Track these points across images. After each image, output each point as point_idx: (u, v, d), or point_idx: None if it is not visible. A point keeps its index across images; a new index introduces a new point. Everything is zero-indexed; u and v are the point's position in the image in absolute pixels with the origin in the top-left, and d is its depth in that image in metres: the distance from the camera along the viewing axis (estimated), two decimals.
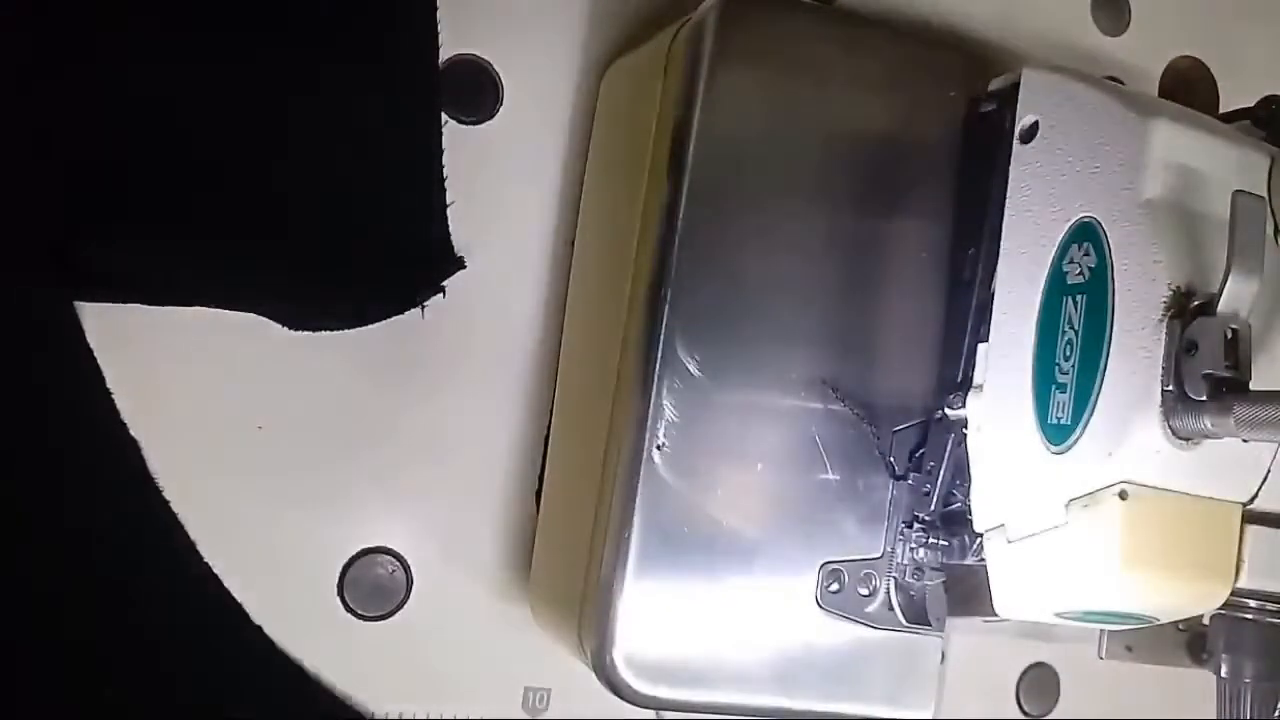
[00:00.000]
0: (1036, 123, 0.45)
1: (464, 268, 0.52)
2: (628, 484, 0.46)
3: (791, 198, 0.48)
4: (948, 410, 0.47)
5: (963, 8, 0.60)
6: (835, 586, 0.48)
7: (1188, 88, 0.65)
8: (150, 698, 0.48)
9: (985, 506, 0.45)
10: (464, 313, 0.53)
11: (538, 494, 0.54)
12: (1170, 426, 0.39)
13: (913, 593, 0.49)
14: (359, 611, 0.52)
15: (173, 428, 0.49)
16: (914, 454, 0.49)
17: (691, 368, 0.46)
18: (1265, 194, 0.41)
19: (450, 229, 0.52)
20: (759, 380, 0.47)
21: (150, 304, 0.48)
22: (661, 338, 0.46)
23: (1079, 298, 0.42)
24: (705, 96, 0.47)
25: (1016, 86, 0.47)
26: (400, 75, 0.52)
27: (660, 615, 0.46)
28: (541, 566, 0.53)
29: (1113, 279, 0.40)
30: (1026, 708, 0.64)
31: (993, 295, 0.46)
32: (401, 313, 0.51)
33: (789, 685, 0.48)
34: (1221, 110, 0.56)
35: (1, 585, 0.46)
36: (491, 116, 0.54)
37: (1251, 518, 0.41)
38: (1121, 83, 0.59)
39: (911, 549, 0.49)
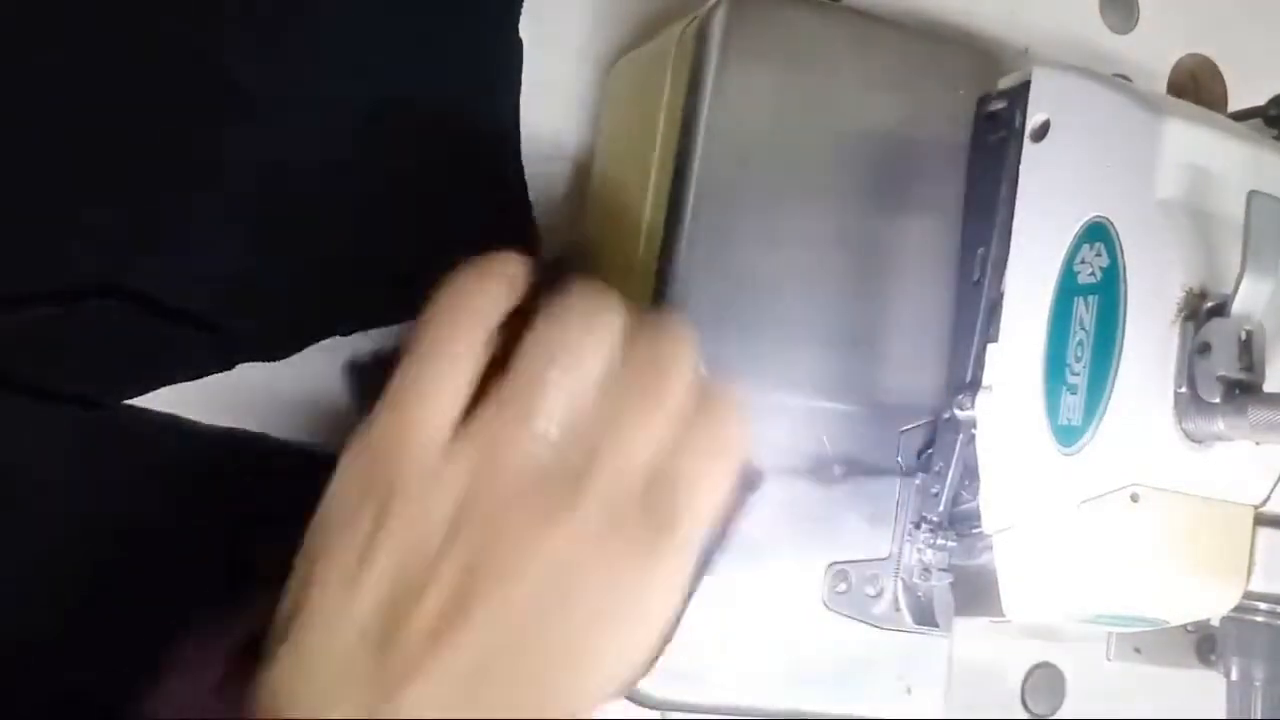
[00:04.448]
0: (1048, 121, 0.45)
1: None
2: None
3: (799, 195, 0.48)
4: (956, 410, 0.47)
5: (971, 5, 0.59)
6: (842, 587, 0.48)
7: (1197, 86, 0.65)
8: None
9: (994, 508, 0.45)
10: None
11: None
12: (1183, 428, 0.39)
13: (920, 593, 0.49)
14: None
15: None
16: (922, 454, 0.49)
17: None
18: None
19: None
20: (766, 379, 0.47)
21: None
22: None
23: (1090, 298, 0.41)
24: (713, 93, 0.46)
25: (1026, 85, 0.47)
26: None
27: None
28: None
29: (1125, 279, 0.40)
30: (1032, 708, 0.64)
31: (1002, 295, 0.46)
32: None
33: (795, 686, 0.47)
34: (1231, 109, 0.56)
35: None
36: None
37: (1263, 520, 0.41)
38: (1130, 81, 0.58)
39: (919, 550, 0.49)
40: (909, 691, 0.48)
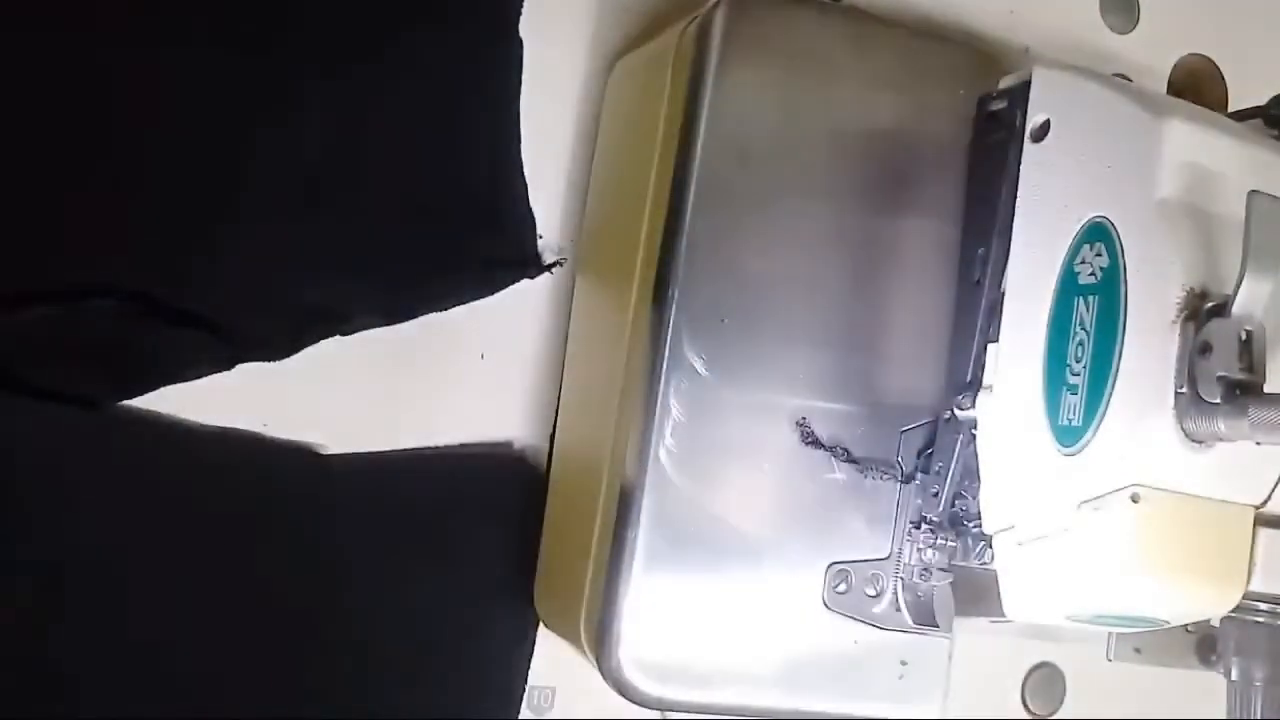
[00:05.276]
0: (1048, 121, 0.45)
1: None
2: (634, 483, 0.45)
3: (799, 195, 0.48)
4: (957, 410, 0.47)
5: (972, 6, 0.59)
6: (842, 587, 0.48)
7: (1196, 86, 0.65)
8: None
9: (995, 508, 0.45)
10: (467, 310, 0.53)
11: (543, 492, 0.54)
12: (1183, 429, 0.39)
13: (920, 593, 0.49)
14: None
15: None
16: (922, 454, 0.49)
17: (698, 367, 0.46)
18: None
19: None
20: (766, 379, 0.47)
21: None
22: (668, 337, 0.45)
23: (1091, 298, 0.41)
24: (713, 93, 0.46)
25: (1027, 85, 0.47)
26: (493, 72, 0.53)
27: (666, 614, 0.46)
28: (547, 565, 0.52)
29: (1125, 279, 0.40)
30: (1032, 708, 0.64)
31: (1003, 295, 0.46)
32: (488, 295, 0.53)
33: (795, 685, 0.48)
34: (1231, 109, 0.56)
35: None
36: None
37: (1264, 521, 0.41)
38: (1130, 81, 0.58)
39: (919, 550, 0.49)
40: (904, 672, 0.49)
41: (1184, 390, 0.39)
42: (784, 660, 0.47)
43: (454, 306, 0.53)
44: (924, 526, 0.48)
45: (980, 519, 0.46)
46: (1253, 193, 0.38)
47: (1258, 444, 0.39)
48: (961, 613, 0.50)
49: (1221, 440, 0.39)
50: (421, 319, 0.52)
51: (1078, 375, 0.41)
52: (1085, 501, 0.40)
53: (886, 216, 0.49)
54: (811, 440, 0.47)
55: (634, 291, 0.48)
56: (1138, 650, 0.64)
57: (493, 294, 0.53)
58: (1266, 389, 0.38)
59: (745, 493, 0.47)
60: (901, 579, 0.49)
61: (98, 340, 0.47)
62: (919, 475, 0.49)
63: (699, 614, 0.46)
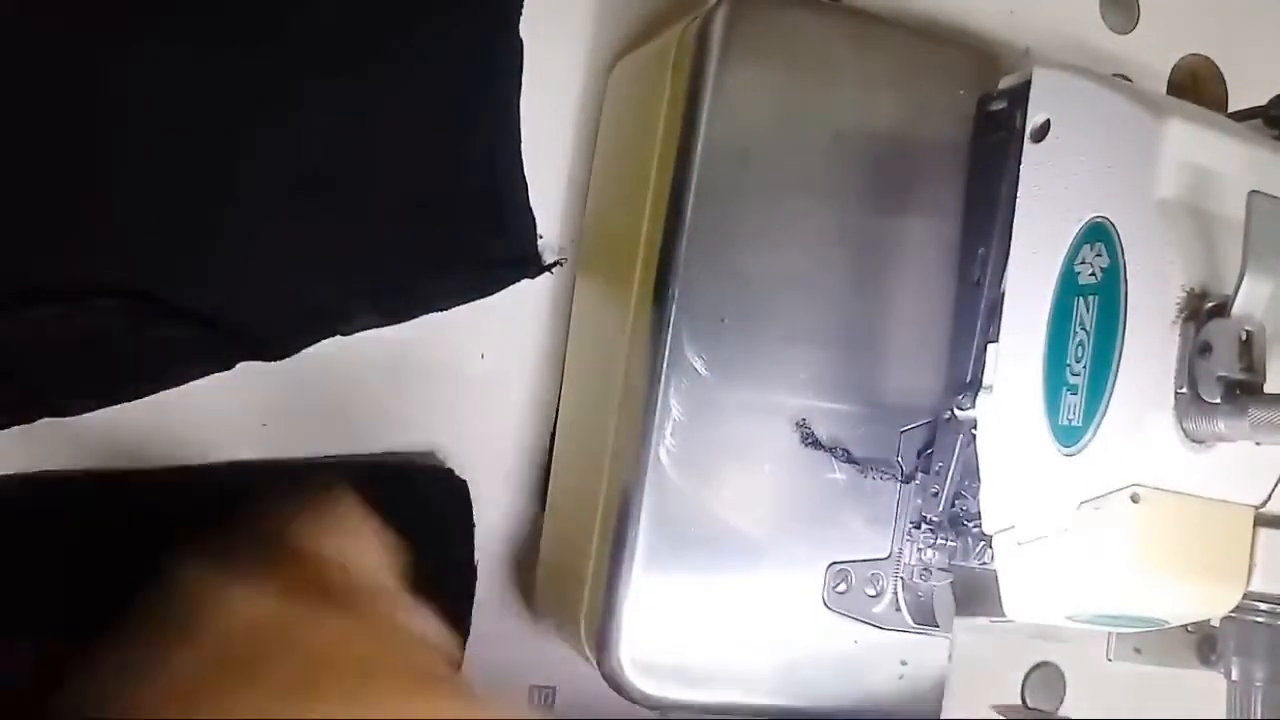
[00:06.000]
0: (1048, 121, 0.45)
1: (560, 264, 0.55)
2: (634, 483, 0.45)
3: (799, 196, 0.48)
4: (957, 410, 0.47)
5: (972, 6, 0.59)
6: (842, 587, 0.48)
7: (1196, 86, 0.65)
8: None
9: (995, 508, 0.45)
10: (467, 310, 0.53)
11: (543, 493, 0.54)
12: (1183, 429, 0.39)
13: (920, 593, 0.49)
14: None
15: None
16: (922, 454, 0.49)
17: (699, 367, 0.46)
18: None
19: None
20: (766, 380, 0.47)
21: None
22: (669, 337, 0.46)
23: (1091, 298, 0.41)
24: (713, 93, 0.46)
25: (1027, 85, 0.47)
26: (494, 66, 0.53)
27: (666, 615, 0.46)
28: (548, 565, 0.52)
29: (1125, 280, 0.40)
30: (1032, 707, 0.64)
31: (1003, 295, 0.46)
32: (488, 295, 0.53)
33: (795, 685, 0.48)
34: (1231, 109, 0.56)
35: None
36: None
37: (1264, 521, 0.41)
38: (1130, 81, 0.58)
39: (919, 550, 0.49)
40: (903, 672, 0.49)
41: (1184, 390, 0.39)
42: (784, 660, 0.47)
43: (454, 306, 0.53)
44: (924, 526, 0.49)
45: (980, 519, 0.46)
46: (1253, 193, 0.38)
47: (1258, 444, 0.39)
48: (961, 612, 0.50)
49: (1222, 440, 0.39)
50: (421, 319, 0.52)
51: (1078, 375, 0.41)
52: (1085, 501, 0.40)
53: (887, 216, 0.49)
54: (812, 440, 0.47)
55: (634, 291, 0.48)
56: (1138, 650, 0.64)
57: (493, 294, 0.53)
58: (1266, 389, 0.38)
59: (745, 492, 0.47)
60: (901, 579, 0.49)
61: (98, 340, 0.47)
62: (919, 475, 0.49)
63: (699, 614, 0.46)
